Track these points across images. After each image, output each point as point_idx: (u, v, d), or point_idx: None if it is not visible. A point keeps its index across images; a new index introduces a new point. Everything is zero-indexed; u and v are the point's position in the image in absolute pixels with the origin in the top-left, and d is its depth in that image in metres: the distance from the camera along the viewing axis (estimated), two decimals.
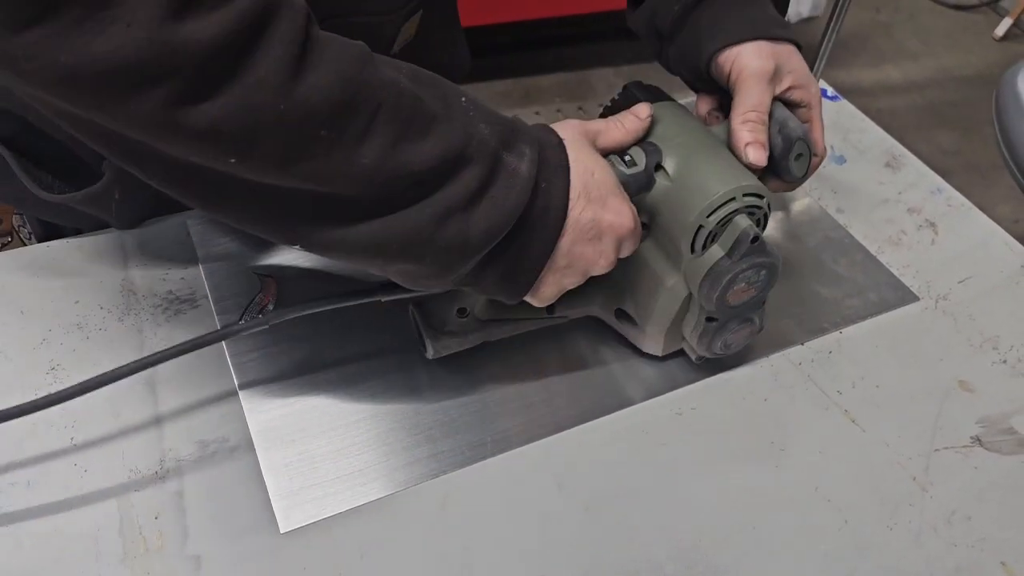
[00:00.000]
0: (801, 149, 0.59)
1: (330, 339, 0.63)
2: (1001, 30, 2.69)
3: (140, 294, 0.65)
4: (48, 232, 0.73)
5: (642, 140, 0.57)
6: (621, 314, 0.61)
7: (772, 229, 0.75)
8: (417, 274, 0.48)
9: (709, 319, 0.57)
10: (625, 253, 0.54)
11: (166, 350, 0.52)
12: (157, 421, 0.57)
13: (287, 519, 0.53)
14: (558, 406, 0.60)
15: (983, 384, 0.64)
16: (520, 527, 0.54)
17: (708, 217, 0.53)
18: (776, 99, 0.60)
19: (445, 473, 0.56)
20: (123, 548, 0.51)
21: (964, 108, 2.44)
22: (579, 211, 0.49)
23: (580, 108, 2.29)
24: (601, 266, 0.52)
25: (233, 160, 0.40)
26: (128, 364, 0.52)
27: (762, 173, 0.58)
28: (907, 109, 2.44)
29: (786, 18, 2.37)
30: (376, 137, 0.42)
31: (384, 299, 0.55)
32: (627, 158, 0.55)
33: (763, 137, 0.57)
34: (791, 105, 0.61)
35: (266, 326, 0.54)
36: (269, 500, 0.54)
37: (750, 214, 0.54)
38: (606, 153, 0.55)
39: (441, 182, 0.44)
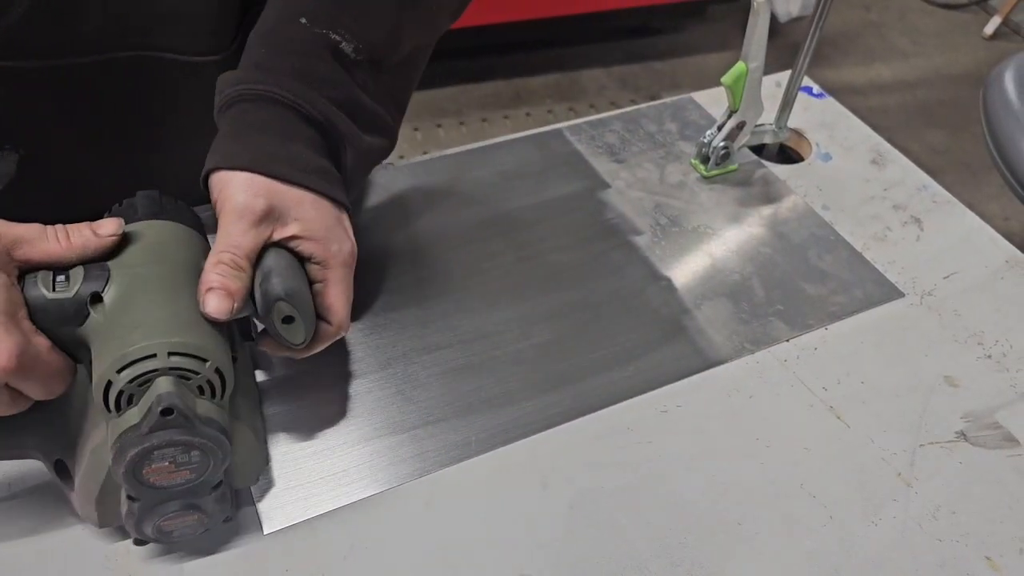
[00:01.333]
0: (287, 311, 0.49)
1: None
2: (990, 28, 2.71)
3: None
4: None
5: (97, 260, 0.46)
6: (61, 466, 0.49)
7: (757, 226, 0.75)
8: None
9: (129, 497, 0.46)
10: (34, 394, 0.44)
11: None
12: None
13: (270, 520, 0.52)
14: (542, 405, 0.60)
15: (968, 379, 0.64)
16: (505, 526, 0.53)
17: (119, 373, 0.43)
18: (277, 247, 0.51)
19: (429, 473, 0.56)
20: (105, 550, 0.51)
21: (954, 107, 2.45)
22: None
23: (571, 109, 2.30)
24: None
25: None
26: None
27: (245, 332, 0.51)
28: (897, 108, 2.45)
29: (775, 17, 2.38)
30: None
31: None
32: (60, 278, 0.45)
33: (234, 284, 0.47)
34: (303, 259, 0.52)
35: None
36: (252, 501, 0.53)
37: (184, 378, 0.44)
38: (29, 268, 0.45)
39: None
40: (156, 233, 0.49)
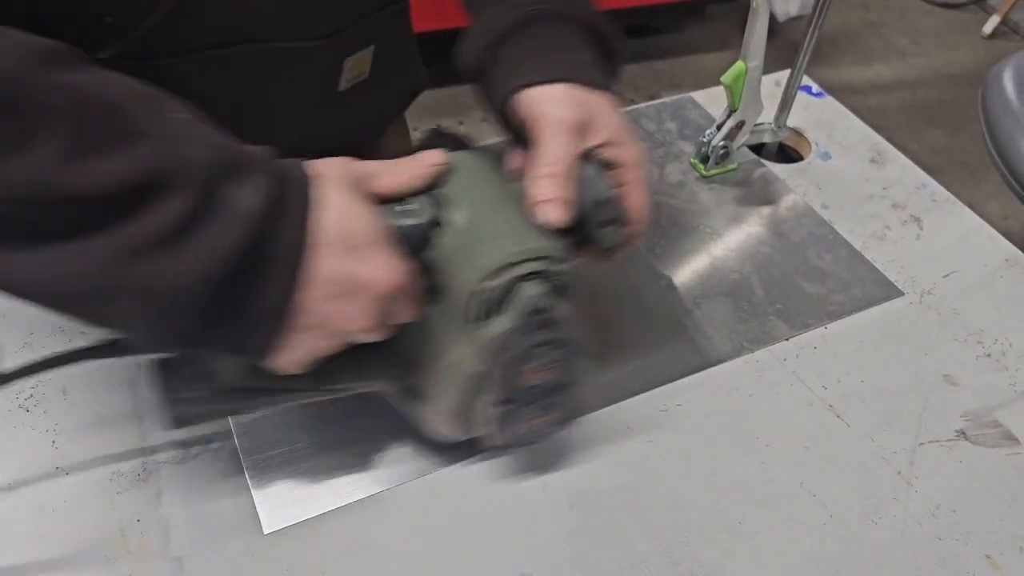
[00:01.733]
0: (608, 214, 0.51)
1: None
2: (989, 27, 2.71)
3: None
4: None
5: (429, 190, 0.49)
6: (411, 390, 0.52)
7: (757, 225, 0.75)
8: (123, 326, 0.40)
9: (501, 401, 0.49)
10: (402, 318, 0.46)
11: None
12: (139, 424, 0.57)
13: (271, 520, 0.52)
14: None
15: (968, 378, 0.64)
16: (505, 526, 0.53)
17: (488, 282, 0.46)
18: (586, 155, 0.52)
19: (430, 472, 0.56)
20: (105, 551, 0.51)
21: (953, 106, 2.45)
22: (327, 261, 0.41)
23: None
24: (362, 329, 0.44)
25: None
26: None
27: (571, 239, 0.52)
28: (897, 107, 2.45)
29: (775, 17, 2.38)
30: (40, 147, 0.34)
31: (113, 355, 0.46)
32: (407, 207, 0.48)
33: (562, 194, 0.49)
34: (606, 166, 0.53)
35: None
36: (252, 501, 0.53)
37: (544, 280, 0.47)
38: (381, 200, 0.47)
39: (128, 211, 0.36)
40: (467, 161, 0.51)
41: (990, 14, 2.73)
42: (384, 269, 0.43)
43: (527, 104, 0.52)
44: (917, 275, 0.72)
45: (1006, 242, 0.75)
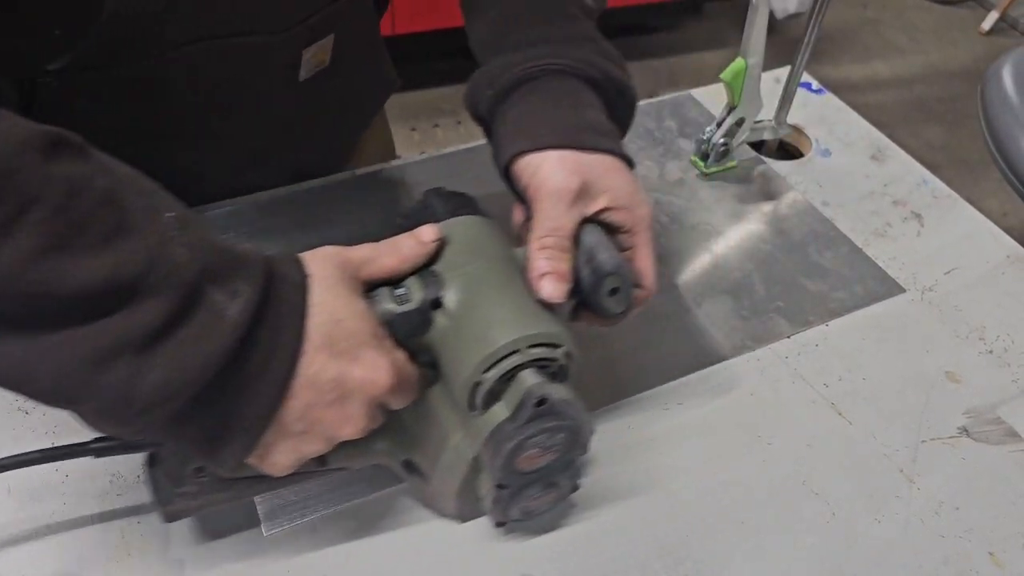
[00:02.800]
0: (615, 283, 0.50)
1: None
2: (987, 24, 2.71)
3: None
4: None
5: (424, 267, 0.47)
6: (410, 466, 0.51)
7: (757, 222, 0.75)
8: (95, 422, 0.38)
9: (499, 485, 0.48)
10: (397, 406, 0.46)
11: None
12: None
13: (271, 522, 0.52)
14: None
15: (970, 375, 0.64)
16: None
17: (485, 373, 0.45)
18: (589, 221, 0.51)
19: None
20: (105, 553, 0.50)
21: (952, 103, 2.45)
22: (317, 367, 0.40)
23: None
24: (349, 432, 0.43)
25: None
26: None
27: (574, 307, 0.51)
28: (895, 104, 2.45)
29: (773, 15, 2.38)
30: (17, 238, 0.32)
31: (97, 452, 0.46)
32: (400, 291, 0.46)
33: (563, 267, 0.48)
34: (611, 229, 0.52)
35: None
36: (253, 502, 0.53)
37: (541, 367, 0.46)
38: (374, 284, 0.46)
39: (106, 311, 0.35)
40: (465, 230, 0.50)
41: (988, 10, 2.73)
42: (376, 370, 0.42)
43: (525, 171, 0.51)
44: (918, 272, 0.72)
45: (1007, 238, 0.75)
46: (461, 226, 0.50)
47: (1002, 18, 2.71)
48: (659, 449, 0.58)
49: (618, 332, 0.64)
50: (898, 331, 0.67)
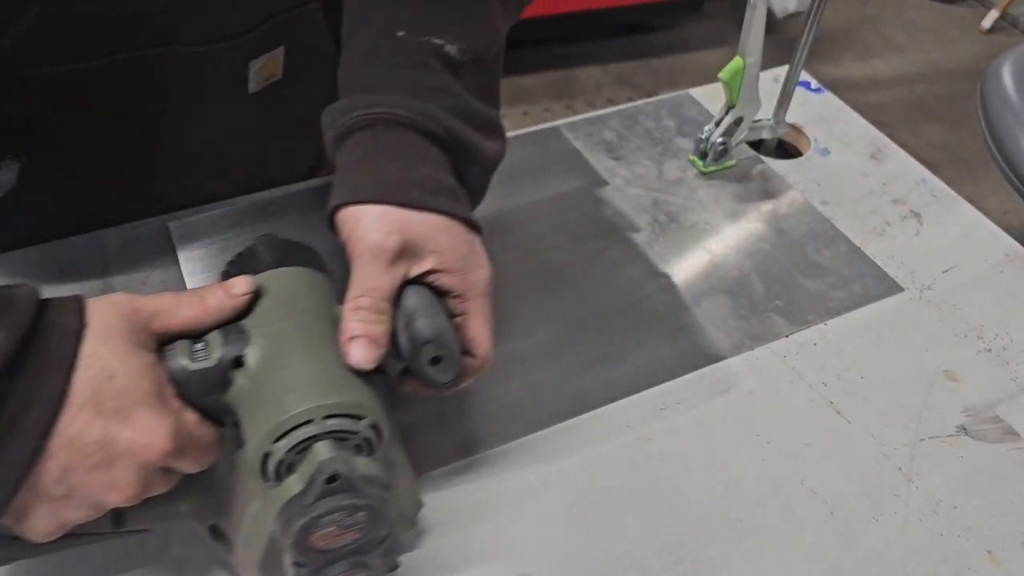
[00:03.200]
0: (436, 352, 0.46)
1: None
2: (988, 22, 2.71)
3: None
4: None
5: (232, 321, 0.44)
6: (216, 532, 0.47)
7: (756, 221, 0.75)
8: None
9: (296, 563, 0.43)
10: (188, 469, 0.42)
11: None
12: None
13: None
14: (541, 403, 0.60)
15: (968, 373, 0.64)
16: (504, 525, 0.53)
17: (275, 443, 0.41)
18: (416, 283, 0.47)
19: (427, 472, 0.55)
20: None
21: (952, 101, 2.45)
22: (80, 426, 0.37)
23: (568, 107, 2.30)
24: (117, 499, 0.39)
25: None
26: None
27: (401, 372, 0.47)
28: (895, 103, 2.45)
29: (772, 14, 2.38)
30: None
31: None
32: (198, 347, 0.43)
33: (376, 330, 0.44)
34: (441, 293, 0.48)
35: None
36: None
37: (341, 439, 0.42)
38: (171, 337, 0.43)
39: None
40: (284, 283, 0.47)
41: (988, 9, 2.73)
42: (149, 432, 0.38)
43: (345, 224, 0.47)
44: (917, 271, 0.72)
45: (1006, 236, 0.75)
46: (282, 278, 0.47)
47: (1002, 16, 2.70)
48: (657, 448, 0.58)
49: (615, 333, 0.64)
50: (897, 330, 0.67)
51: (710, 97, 0.88)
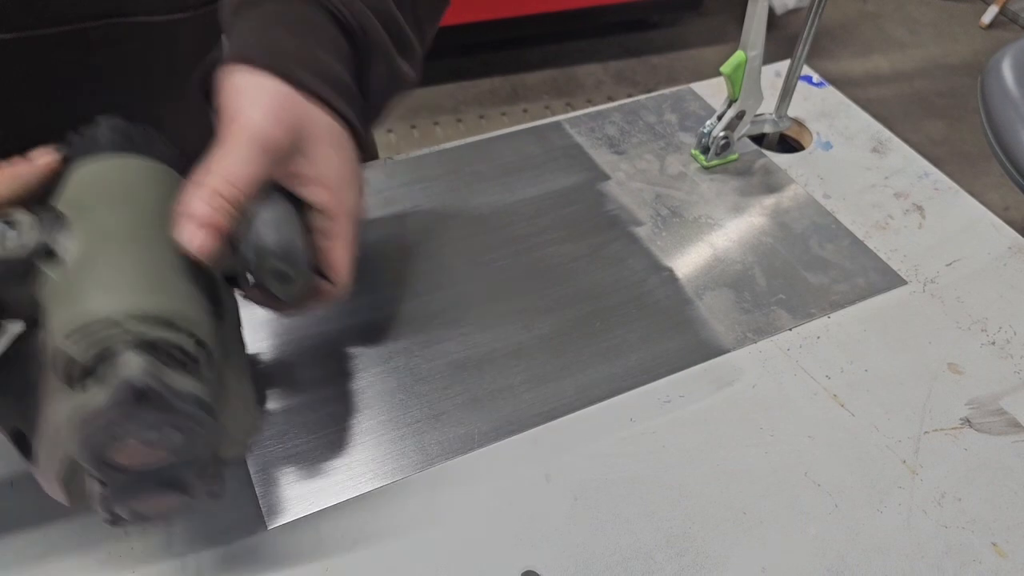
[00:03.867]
0: (278, 266, 0.41)
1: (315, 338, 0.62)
2: (988, 18, 2.70)
3: None
4: None
5: (48, 203, 0.38)
6: (19, 438, 0.42)
7: (759, 215, 0.75)
8: None
9: (93, 478, 0.39)
10: None
11: None
12: None
13: (273, 515, 0.52)
14: (544, 397, 0.60)
15: (972, 366, 0.64)
16: (508, 519, 0.53)
17: (71, 342, 0.35)
18: (277, 186, 0.42)
19: (432, 466, 0.55)
20: (107, 549, 0.50)
21: (952, 97, 2.45)
22: None
23: (568, 104, 2.30)
24: None
25: None
26: None
27: (231, 282, 0.43)
28: (896, 98, 2.45)
29: (772, 9, 2.38)
30: None
31: None
32: (7, 223, 0.37)
33: (220, 219, 0.38)
34: (305, 205, 0.43)
35: None
36: (255, 497, 0.53)
37: (156, 349, 0.36)
38: None
39: None
40: (123, 171, 0.41)
41: (988, 4, 2.72)
42: None
43: (228, 88, 0.41)
44: (920, 264, 0.72)
45: (1009, 229, 0.75)
46: (121, 165, 0.41)
47: (1002, 12, 2.70)
48: (661, 441, 0.58)
49: (618, 327, 0.64)
50: (900, 323, 0.67)
51: (712, 92, 0.88)
